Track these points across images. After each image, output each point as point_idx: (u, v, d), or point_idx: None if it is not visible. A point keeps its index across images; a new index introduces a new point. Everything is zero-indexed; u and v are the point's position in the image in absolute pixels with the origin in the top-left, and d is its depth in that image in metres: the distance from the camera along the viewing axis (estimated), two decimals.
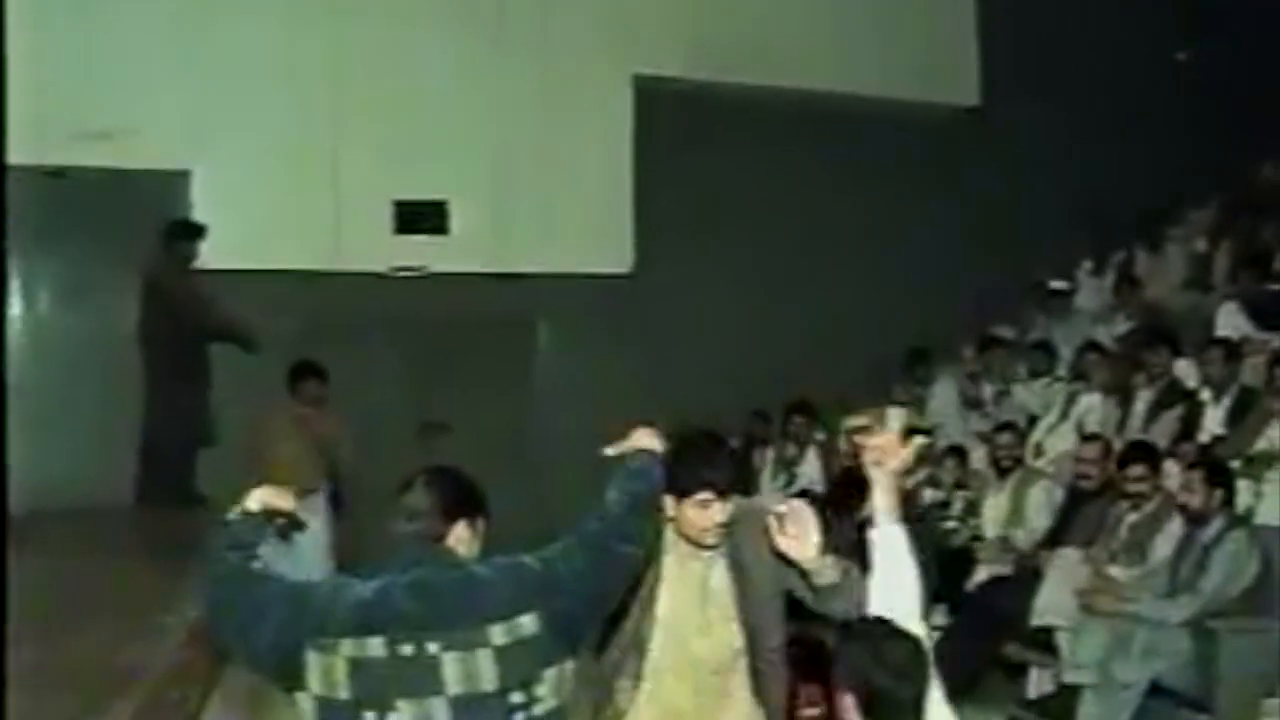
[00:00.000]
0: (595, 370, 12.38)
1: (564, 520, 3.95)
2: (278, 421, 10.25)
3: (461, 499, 3.85)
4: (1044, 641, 8.57)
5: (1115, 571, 8.31)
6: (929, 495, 10.27)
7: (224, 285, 10.78)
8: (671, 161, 12.67)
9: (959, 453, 10.62)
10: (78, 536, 9.12)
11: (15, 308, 11.05)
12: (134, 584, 7.51)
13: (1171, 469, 8.79)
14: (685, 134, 12.84)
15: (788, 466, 11.81)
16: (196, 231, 10.74)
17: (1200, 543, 7.90)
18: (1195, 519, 7.97)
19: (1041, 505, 9.74)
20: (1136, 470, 8.51)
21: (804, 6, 13.48)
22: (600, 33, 12.62)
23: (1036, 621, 8.59)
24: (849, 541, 4.49)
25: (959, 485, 10.33)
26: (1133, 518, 8.48)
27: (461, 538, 3.79)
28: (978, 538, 9.82)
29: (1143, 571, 8.18)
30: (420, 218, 11.88)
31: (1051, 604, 8.55)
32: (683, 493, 4.34)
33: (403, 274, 11.88)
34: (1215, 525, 7.89)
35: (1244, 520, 8.22)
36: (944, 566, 9.27)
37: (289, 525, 9.59)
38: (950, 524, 10.00)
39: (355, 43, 11.68)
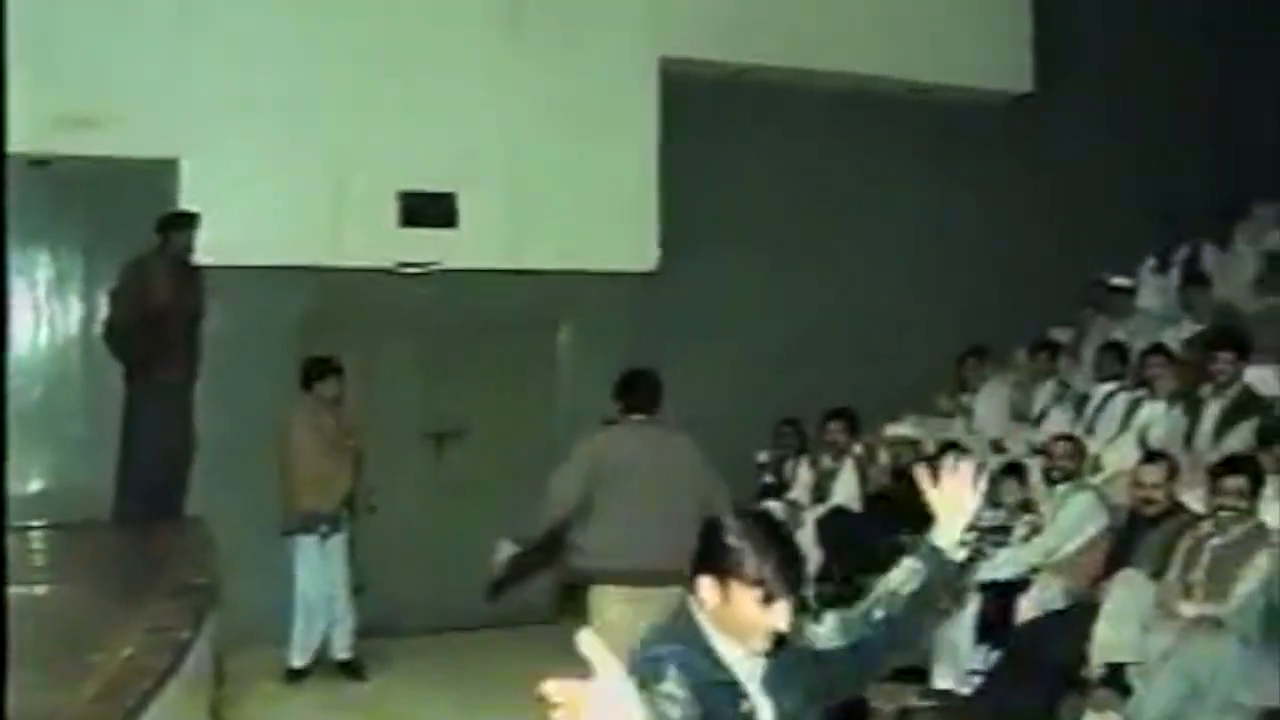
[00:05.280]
0: (618, 373, 11.54)
1: None
2: (300, 430, 9.98)
3: None
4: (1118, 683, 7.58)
5: (1188, 609, 7.38)
6: (987, 517, 9.32)
7: (214, 282, 10.14)
8: (701, 151, 11.96)
9: (1018, 471, 9.66)
10: (46, 555, 8.49)
11: None
12: (77, 614, 6.73)
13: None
14: (717, 121, 12.12)
15: (822, 480, 10.92)
16: (190, 220, 10.07)
17: None
18: None
19: (1078, 519, 8.89)
20: (1235, 483, 7.49)
21: None
22: (626, 11, 11.78)
23: (1099, 660, 7.65)
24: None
25: (1024, 508, 9.36)
26: (1217, 542, 7.52)
27: None
28: (1036, 569, 8.86)
29: (1225, 610, 7.24)
30: (427, 210, 11.09)
31: (1114, 638, 7.63)
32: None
33: (409, 270, 11.08)
34: None
35: None
36: (990, 600, 8.44)
37: (331, 530, 9.55)
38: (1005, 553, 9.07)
39: (358, 22, 10.89)
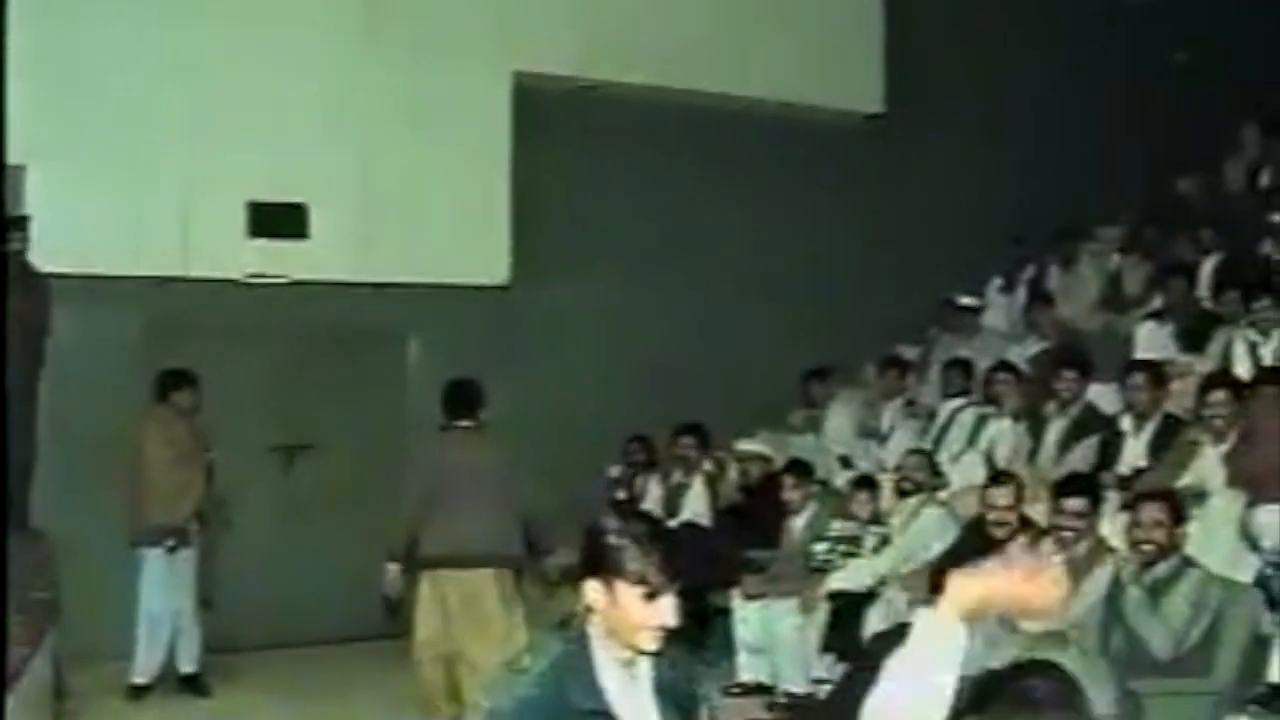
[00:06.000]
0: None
1: None
2: (153, 442, 9.80)
3: None
4: None
5: (1031, 624, 7.47)
6: (837, 527, 9.41)
7: (59, 291, 9.91)
8: (552, 166, 11.90)
9: (870, 484, 9.74)
10: None
11: None
12: None
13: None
14: (567, 137, 12.05)
15: (672, 495, 10.93)
16: (19, 223, 9.78)
17: (1145, 584, 7.05)
18: (1150, 561, 7.10)
19: (927, 533, 9.00)
20: (1076, 504, 7.58)
21: (698, 4, 12.67)
22: (478, 25, 11.71)
23: None
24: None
25: (874, 520, 9.42)
26: (1059, 558, 7.60)
27: None
28: (884, 581, 8.94)
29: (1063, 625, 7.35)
30: (277, 221, 10.97)
31: None
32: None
33: (258, 281, 10.95)
34: (1168, 564, 7.01)
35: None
36: (837, 611, 8.52)
37: (180, 544, 9.28)
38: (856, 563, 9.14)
39: (207, 32, 10.75)
